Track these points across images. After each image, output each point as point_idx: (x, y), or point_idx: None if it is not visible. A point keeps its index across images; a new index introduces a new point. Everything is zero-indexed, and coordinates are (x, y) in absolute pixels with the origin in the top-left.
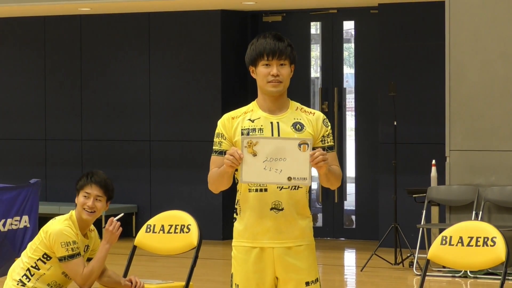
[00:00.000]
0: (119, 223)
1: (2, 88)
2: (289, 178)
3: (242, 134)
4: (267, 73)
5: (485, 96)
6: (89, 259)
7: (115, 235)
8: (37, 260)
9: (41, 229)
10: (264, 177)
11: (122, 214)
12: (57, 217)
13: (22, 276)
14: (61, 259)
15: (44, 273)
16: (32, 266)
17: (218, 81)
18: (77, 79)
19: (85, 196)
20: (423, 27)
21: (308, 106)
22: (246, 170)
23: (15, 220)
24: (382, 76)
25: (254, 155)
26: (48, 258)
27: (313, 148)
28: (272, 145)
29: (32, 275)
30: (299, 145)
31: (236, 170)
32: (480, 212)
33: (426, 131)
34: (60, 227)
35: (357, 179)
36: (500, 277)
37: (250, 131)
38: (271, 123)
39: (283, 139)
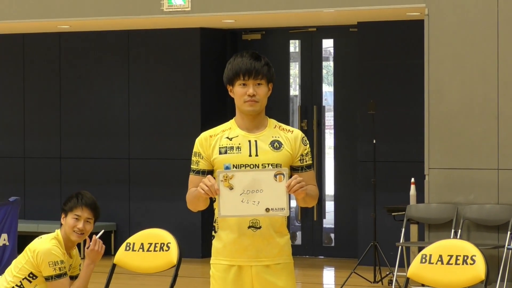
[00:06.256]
0: (101, 241)
1: None
2: (267, 210)
3: (220, 152)
4: (244, 93)
5: (464, 115)
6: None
7: (100, 253)
8: (23, 279)
9: (27, 248)
10: (242, 210)
11: (102, 231)
12: (43, 236)
13: None
14: (48, 279)
15: None
16: (17, 285)
17: (197, 99)
18: (56, 96)
19: (75, 219)
20: (402, 46)
21: (287, 124)
22: (224, 204)
23: None
24: (361, 94)
25: (231, 188)
26: (34, 277)
27: (292, 169)
28: (248, 178)
29: None
30: (275, 175)
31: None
32: (459, 230)
33: (405, 149)
34: (48, 247)
35: (336, 197)
36: None
37: (228, 149)
38: (249, 141)
39: (259, 171)
